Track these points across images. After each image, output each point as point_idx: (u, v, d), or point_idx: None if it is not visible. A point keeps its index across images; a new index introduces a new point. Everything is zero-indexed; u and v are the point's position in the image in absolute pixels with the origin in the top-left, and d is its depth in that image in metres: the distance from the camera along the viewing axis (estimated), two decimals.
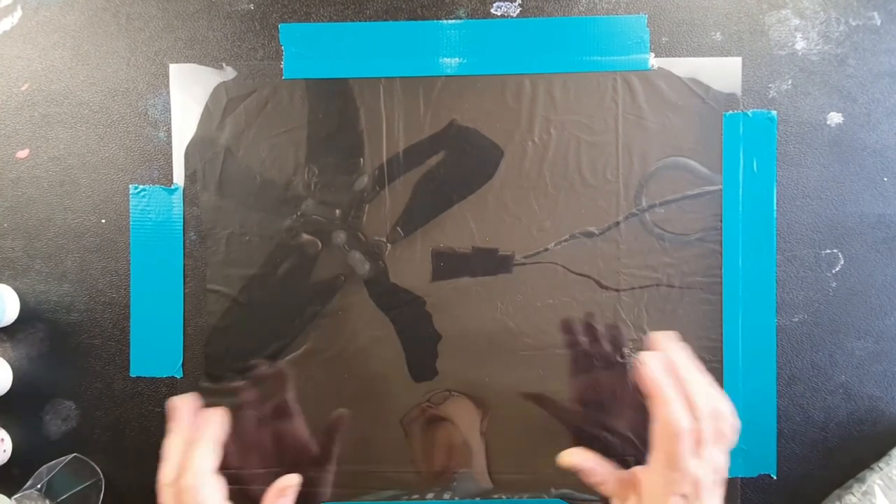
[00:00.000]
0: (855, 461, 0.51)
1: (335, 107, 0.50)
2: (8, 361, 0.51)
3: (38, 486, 0.50)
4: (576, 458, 0.44)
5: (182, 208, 0.51)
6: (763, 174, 0.50)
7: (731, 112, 0.50)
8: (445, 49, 0.50)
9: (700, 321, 0.50)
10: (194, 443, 0.42)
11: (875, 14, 0.50)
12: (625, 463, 0.50)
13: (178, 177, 0.51)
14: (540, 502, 0.51)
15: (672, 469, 0.39)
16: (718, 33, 0.50)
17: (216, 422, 0.43)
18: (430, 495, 0.51)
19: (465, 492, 0.51)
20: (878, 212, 0.50)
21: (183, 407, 0.44)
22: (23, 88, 0.51)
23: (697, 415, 0.40)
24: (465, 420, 0.50)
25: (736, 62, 0.50)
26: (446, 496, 0.51)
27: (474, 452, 0.50)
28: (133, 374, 0.51)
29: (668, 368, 0.41)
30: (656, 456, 0.40)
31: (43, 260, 0.51)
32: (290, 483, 0.45)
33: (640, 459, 0.50)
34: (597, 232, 0.50)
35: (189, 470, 0.41)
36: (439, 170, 0.50)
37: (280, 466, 0.49)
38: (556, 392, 0.50)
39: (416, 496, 0.51)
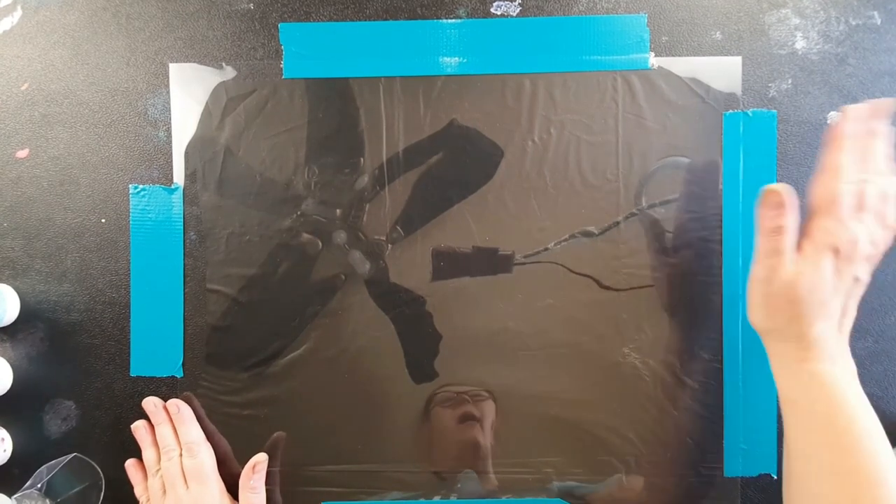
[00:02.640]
0: None
1: (335, 106, 0.50)
2: (8, 361, 0.51)
3: (39, 485, 0.50)
4: (783, 193, 0.42)
5: (182, 208, 0.51)
6: (763, 174, 0.50)
7: (731, 111, 0.50)
8: (445, 48, 0.50)
9: (700, 321, 0.50)
10: (180, 424, 0.50)
11: (875, 13, 0.50)
12: (626, 464, 0.51)
13: (178, 176, 0.51)
14: (541, 502, 0.51)
15: (829, 217, 0.40)
16: (718, 33, 0.50)
17: (186, 406, 0.50)
18: (433, 497, 0.51)
19: (468, 493, 0.51)
20: None
21: (157, 402, 0.51)
22: (22, 88, 0.51)
23: (867, 177, 0.40)
24: (488, 420, 0.51)
25: (736, 62, 0.50)
26: (453, 496, 0.51)
27: (486, 453, 0.50)
28: (133, 374, 0.51)
29: (863, 131, 0.41)
30: (817, 205, 0.41)
31: (43, 260, 0.51)
32: (259, 460, 0.50)
33: (641, 459, 0.50)
34: (596, 232, 0.50)
35: (184, 444, 0.49)
36: (439, 169, 0.50)
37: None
38: (555, 392, 0.50)
39: (419, 497, 0.51)
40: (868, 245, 0.40)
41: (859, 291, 0.42)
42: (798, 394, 0.41)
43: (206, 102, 0.51)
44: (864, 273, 0.41)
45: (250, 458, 0.50)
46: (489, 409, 0.51)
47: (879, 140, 0.41)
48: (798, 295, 0.40)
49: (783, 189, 0.41)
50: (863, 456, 0.38)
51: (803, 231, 0.42)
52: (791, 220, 0.41)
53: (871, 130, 0.41)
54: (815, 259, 0.40)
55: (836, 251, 0.40)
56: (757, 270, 0.43)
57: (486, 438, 0.50)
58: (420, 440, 0.51)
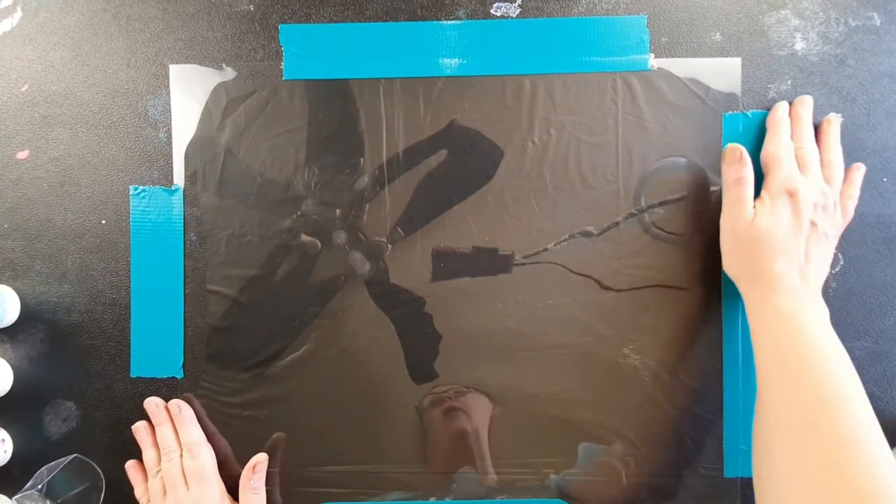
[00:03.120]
0: None
1: (335, 107, 0.50)
2: (8, 362, 0.51)
3: (39, 486, 0.50)
4: (741, 149, 0.48)
5: (182, 209, 0.51)
6: (762, 174, 0.50)
7: (730, 112, 0.50)
8: (445, 50, 0.50)
9: (700, 321, 0.50)
10: (180, 424, 0.50)
11: (874, 14, 0.50)
12: (626, 464, 0.51)
13: (179, 177, 0.51)
14: (540, 502, 0.51)
15: (779, 170, 0.46)
16: (718, 34, 0.50)
17: (188, 406, 0.51)
18: (432, 498, 0.51)
19: (468, 493, 0.51)
20: (877, 212, 0.50)
21: (159, 402, 0.51)
22: (23, 89, 0.51)
23: (802, 145, 0.48)
24: (479, 413, 0.51)
25: (735, 62, 0.50)
26: (452, 497, 0.51)
27: (482, 448, 0.50)
28: (133, 375, 0.51)
29: (791, 115, 0.49)
30: (767, 164, 0.48)
31: (43, 261, 0.51)
32: (260, 460, 0.50)
33: (641, 459, 0.50)
34: (596, 232, 0.50)
35: (185, 445, 0.49)
36: (439, 170, 0.50)
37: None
38: (555, 393, 0.50)
39: (419, 497, 0.51)
40: (818, 193, 0.46)
41: (822, 241, 0.46)
42: (765, 326, 0.44)
43: (207, 103, 0.51)
44: (822, 221, 0.45)
45: (250, 458, 0.50)
46: (472, 400, 0.51)
47: (806, 125, 0.49)
48: (759, 234, 0.45)
49: (741, 146, 0.48)
50: (824, 382, 0.40)
51: (763, 187, 0.47)
52: (749, 172, 0.47)
53: (799, 117, 0.49)
54: (772, 202, 0.46)
55: (791, 194, 0.45)
56: (724, 220, 0.48)
57: (471, 424, 0.50)
58: (419, 441, 0.51)
